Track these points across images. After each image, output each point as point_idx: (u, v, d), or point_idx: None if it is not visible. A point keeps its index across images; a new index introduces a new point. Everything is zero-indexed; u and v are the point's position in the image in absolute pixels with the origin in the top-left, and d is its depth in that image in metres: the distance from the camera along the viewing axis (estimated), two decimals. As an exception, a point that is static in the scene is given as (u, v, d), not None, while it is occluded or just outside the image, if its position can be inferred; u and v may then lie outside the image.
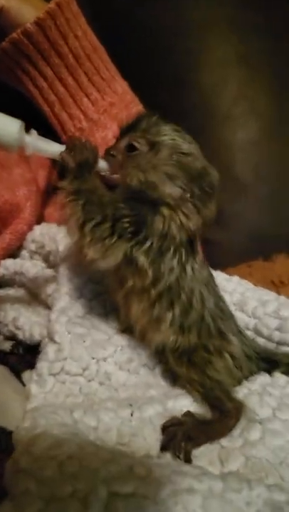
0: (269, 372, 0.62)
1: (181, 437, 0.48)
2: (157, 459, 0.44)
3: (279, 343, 0.66)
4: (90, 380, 0.58)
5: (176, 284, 0.57)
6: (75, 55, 0.94)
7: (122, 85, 1.05)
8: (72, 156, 0.54)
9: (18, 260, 0.88)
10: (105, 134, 0.98)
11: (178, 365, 0.58)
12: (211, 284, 0.62)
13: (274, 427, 0.52)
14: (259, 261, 1.16)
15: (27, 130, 0.55)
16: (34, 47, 0.89)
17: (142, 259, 0.56)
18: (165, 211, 0.56)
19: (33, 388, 0.57)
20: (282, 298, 0.70)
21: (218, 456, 0.49)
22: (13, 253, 0.93)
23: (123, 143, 0.59)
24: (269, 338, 0.67)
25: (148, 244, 0.56)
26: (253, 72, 1.40)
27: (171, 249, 0.57)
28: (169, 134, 0.58)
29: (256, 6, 1.39)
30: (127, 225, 0.55)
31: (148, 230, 0.56)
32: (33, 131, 0.54)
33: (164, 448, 0.49)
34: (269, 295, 0.71)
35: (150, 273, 0.56)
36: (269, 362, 0.63)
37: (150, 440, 0.49)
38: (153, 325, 0.59)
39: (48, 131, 1.01)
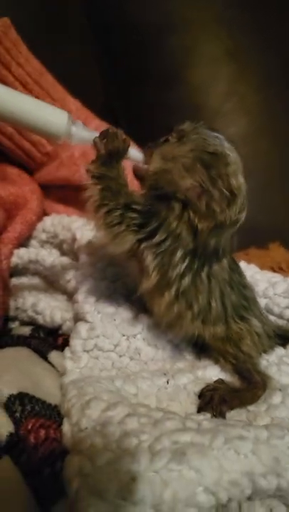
0: (283, 346, 0.67)
1: (218, 400, 0.53)
2: (202, 416, 0.49)
3: (289, 320, 0.72)
4: (121, 356, 0.62)
5: (191, 288, 0.58)
6: (22, 83, 0.95)
7: (74, 103, 1.06)
8: (103, 143, 0.57)
9: (31, 249, 0.91)
10: (71, 153, 1.01)
11: (214, 339, 0.62)
12: (234, 279, 0.63)
13: (293, 391, 0.58)
14: (253, 249, 1.23)
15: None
16: None
17: (149, 260, 0.58)
18: (177, 207, 0.57)
19: (68, 364, 0.61)
20: (290, 279, 0.76)
21: (247, 417, 0.55)
22: (23, 243, 0.96)
23: (162, 139, 0.62)
24: (280, 316, 0.72)
25: (157, 240, 0.57)
26: (242, 68, 1.45)
27: (179, 253, 0.57)
28: (201, 134, 0.58)
29: (244, 4, 1.43)
30: (135, 214, 0.57)
31: (158, 224, 0.57)
32: (79, 122, 0.57)
33: (200, 410, 0.54)
34: (277, 277, 0.77)
35: (154, 276, 0.58)
36: (283, 338, 0.68)
37: (185, 404, 0.54)
38: (176, 321, 0.61)
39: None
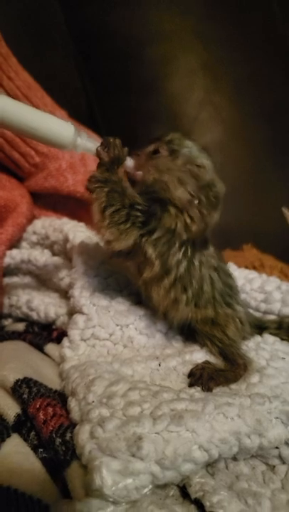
0: (260, 334, 0.75)
1: (207, 377, 0.60)
2: (194, 390, 0.56)
3: (265, 313, 0.80)
4: (115, 344, 0.69)
5: (186, 274, 0.66)
6: (12, 96, 0.97)
7: (62, 115, 1.10)
8: (106, 151, 0.64)
9: (23, 250, 0.96)
10: (59, 165, 1.07)
11: (203, 323, 0.69)
12: (220, 267, 0.71)
13: (269, 372, 0.65)
14: (229, 251, 1.31)
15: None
16: None
17: (150, 251, 0.64)
18: (172, 210, 0.65)
19: (67, 352, 0.67)
20: (264, 276, 0.84)
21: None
22: (14, 244, 1.00)
23: (149, 148, 0.69)
24: (256, 309, 0.80)
25: (156, 236, 0.64)
26: (216, 80, 1.53)
27: (177, 244, 0.65)
28: (188, 147, 0.67)
29: (218, 18, 1.52)
30: (139, 213, 0.64)
31: (156, 223, 0.64)
32: (83, 133, 0.63)
33: (191, 385, 0.60)
34: (253, 274, 0.85)
35: (157, 264, 0.65)
36: (259, 328, 0.76)
37: (175, 383, 0.61)
38: (172, 306, 0.68)
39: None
